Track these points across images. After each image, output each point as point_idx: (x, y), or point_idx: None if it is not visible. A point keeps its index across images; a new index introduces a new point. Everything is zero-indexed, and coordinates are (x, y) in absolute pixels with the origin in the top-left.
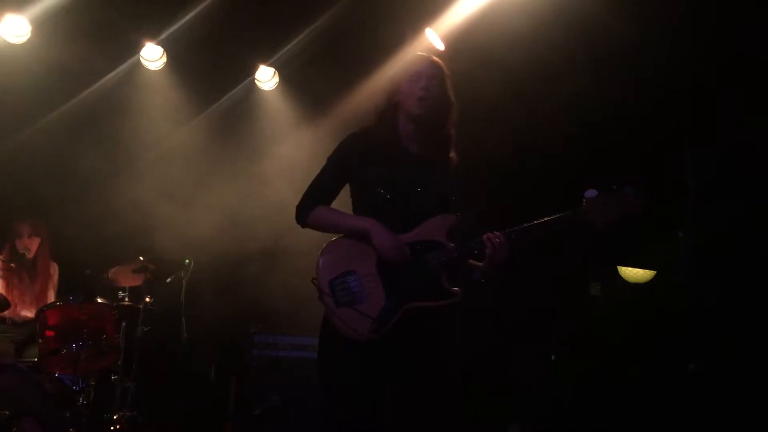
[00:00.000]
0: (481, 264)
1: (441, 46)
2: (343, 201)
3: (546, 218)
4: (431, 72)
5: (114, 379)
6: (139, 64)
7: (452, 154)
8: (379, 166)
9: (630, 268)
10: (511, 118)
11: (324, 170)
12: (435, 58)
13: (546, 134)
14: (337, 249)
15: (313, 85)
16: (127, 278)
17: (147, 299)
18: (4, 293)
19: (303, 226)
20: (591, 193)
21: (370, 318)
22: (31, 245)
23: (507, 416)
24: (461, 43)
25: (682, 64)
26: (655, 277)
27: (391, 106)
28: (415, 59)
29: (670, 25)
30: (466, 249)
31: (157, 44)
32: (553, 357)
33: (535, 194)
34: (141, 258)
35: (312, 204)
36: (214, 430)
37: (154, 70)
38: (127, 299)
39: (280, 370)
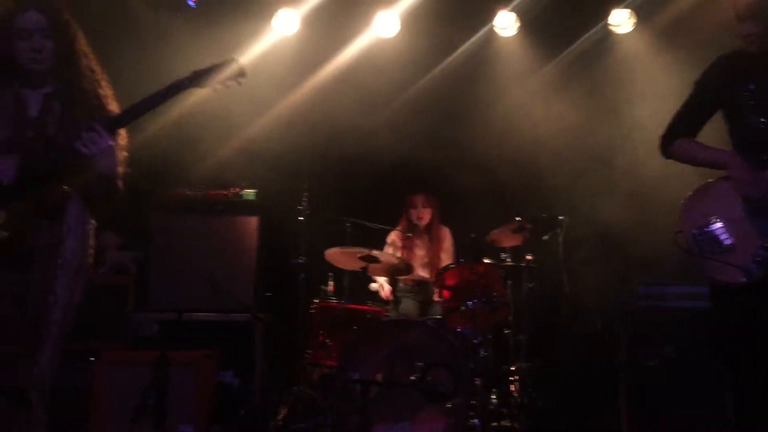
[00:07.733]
0: None
1: None
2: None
3: None
4: (749, 14)
5: (507, 333)
6: (492, 32)
7: None
8: (751, 88)
9: None
10: None
11: (689, 98)
12: None
13: None
14: (697, 200)
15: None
16: (507, 239)
17: (528, 257)
18: (406, 259)
19: (666, 158)
20: None
21: (741, 263)
22: (423, 214)
23: None
24: None
25: None
26: None
27: None
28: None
29: None
30: None
31: (510, 11)
32: None
33: None
34: (518, 218)
35: (674, 135)
36: (606, 380)
37: (507, 37)
38: (509, 259)
39: (669, 322)
